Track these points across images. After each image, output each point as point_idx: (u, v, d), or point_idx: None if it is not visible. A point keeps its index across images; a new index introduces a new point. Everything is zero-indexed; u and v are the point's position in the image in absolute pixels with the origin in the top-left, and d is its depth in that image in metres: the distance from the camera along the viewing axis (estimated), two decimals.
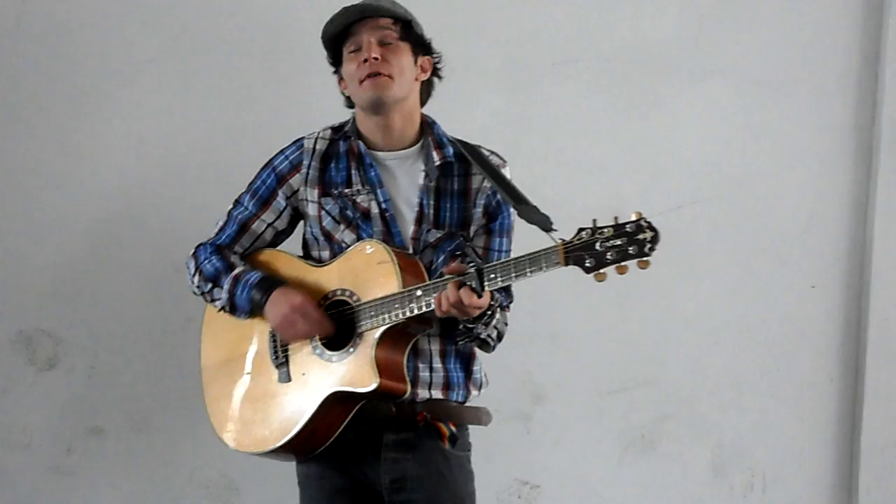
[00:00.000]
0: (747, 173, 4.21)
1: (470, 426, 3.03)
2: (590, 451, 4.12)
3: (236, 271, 2.94)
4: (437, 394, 2.92)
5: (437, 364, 2.93)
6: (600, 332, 3.99)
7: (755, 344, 4.18)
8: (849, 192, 4.35)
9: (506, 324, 2.99)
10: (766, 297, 4.13)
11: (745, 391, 4.27)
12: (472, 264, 2.71)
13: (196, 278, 3.00)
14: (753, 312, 4.18)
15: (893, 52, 4.25)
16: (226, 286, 2.93)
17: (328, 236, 2.94)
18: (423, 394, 2.89)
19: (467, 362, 2.99)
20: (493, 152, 3.01)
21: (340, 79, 2.99)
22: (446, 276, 2.73)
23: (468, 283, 2.69)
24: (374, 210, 2.92)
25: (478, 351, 3.01)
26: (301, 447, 2.90)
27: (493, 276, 2.68)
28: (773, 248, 4.24)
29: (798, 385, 4.34)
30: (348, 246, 2.91)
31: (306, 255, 3.03)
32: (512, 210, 2.95)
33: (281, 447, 2.89)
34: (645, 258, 2.57)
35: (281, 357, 2.91)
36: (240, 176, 3.59)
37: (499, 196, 2.97)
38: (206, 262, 2.98)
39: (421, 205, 2.94)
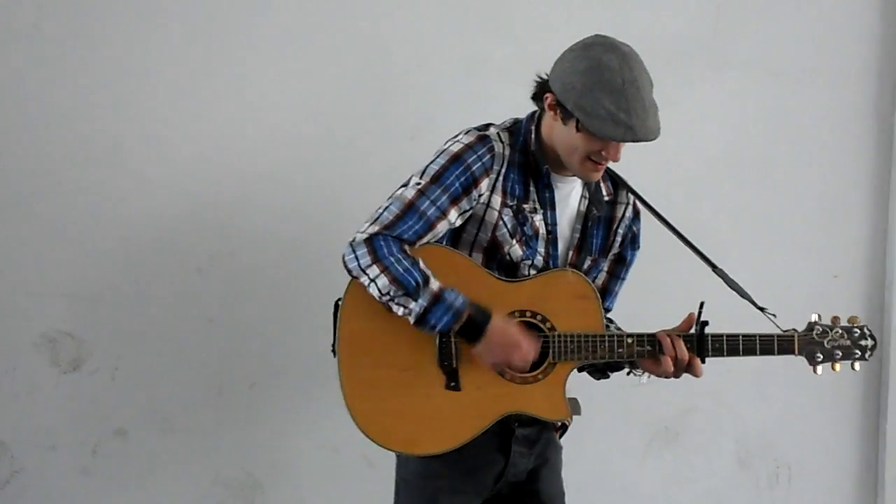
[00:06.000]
0: (767, 164, 4.20)
1: None
2: (614, 445, 4.12)
3: (436, 287, 2.74)
4: None
5: None
6: (622, 324, 3.98)
7: None
8: (869, 181, 4.33)
9: None
10: (788, 288, 4.11)
11: (769, 382, 4.26)
12: (692, 331, 2.88)
13: (382, 280, 2.73)
14: (775, 303, 4.15)
15: None
16: (423, 301, 2.72)
17: (496, 246, 2.88)
18: None
19: None
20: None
21: (549, 103, 2.84)
22: (667, 330, 2.89)
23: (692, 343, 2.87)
24: (542, 230, 2.91)
25: None
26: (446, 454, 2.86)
27: (717, 345, 2.86)
28: (794, 238, 4.22)
29: (822, 375, 4.33)
30: (512, 260, 2.88)
31: None
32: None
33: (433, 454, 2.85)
34: (864, 361, 2.95)
35: (453, 363, 2.83)
36: (258, 176, 3.62)
37: (634, 228, 3.08)
38: (397, 263, 2.74)
39: (583, 232, 2.97)
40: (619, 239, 3.05)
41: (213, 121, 3.65)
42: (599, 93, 2.71)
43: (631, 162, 3.85)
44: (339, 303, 2.85)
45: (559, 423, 3.04)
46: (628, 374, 3.04)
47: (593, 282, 2.95)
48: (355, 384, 2.82)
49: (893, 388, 4.36)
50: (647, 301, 3.44)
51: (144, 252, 3.62)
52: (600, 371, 3.08)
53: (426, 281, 2.73)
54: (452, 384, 2.82)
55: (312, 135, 3.69)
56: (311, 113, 3.70)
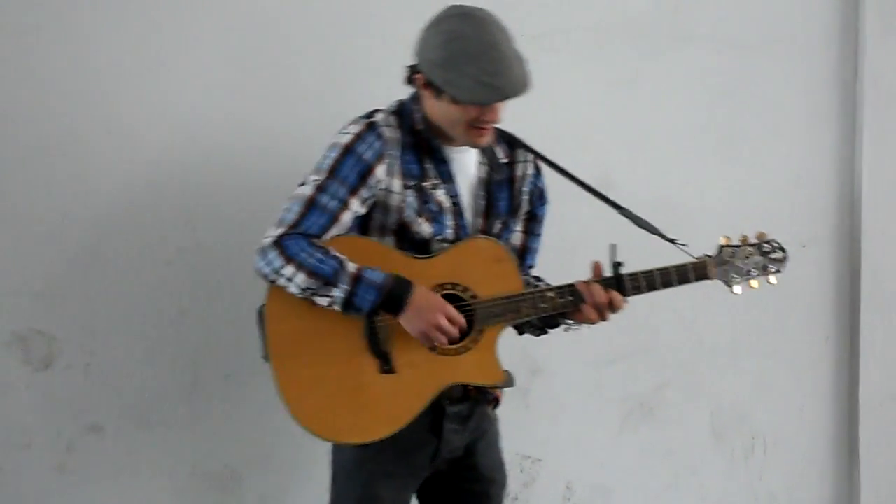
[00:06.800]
0: (733, 136, 4.22)
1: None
2: (589, 422, 4.13)
3: (353, 269, 2.78)
4: None
5: None
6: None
7: (749, 306, 4.19)
8: (835, 149, 4.36)
9: None
10: None
11: (742, 354, 4.28)
12: (608, 274, 2.94)
13: (299, 277, 2.78)
14: None
15: (873, 6, 4.25)
16: (345, 286, 2.77)
17: (405, 227, 2.91)
18: None
19: None
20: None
21: (420, 83, 2.90)
22: (587, 280, 2.93)
23: (611, 288, 2.92)
24: (447, 203, 2.95)
25: None
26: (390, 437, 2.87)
27: (636, 284, 2.93)
28: (762, 209, 4.24)
29: (794, 345, 4.36)
30: (422, 237, 2.91)
31: None
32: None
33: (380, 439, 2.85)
34: (778, 275, 3.04)
35: (383, 346, 2.85)
36: (222, 166, 3.60)
37: (539, 184, 3.12)
38: (309, 257, 2.77)
39: (487, 197, 3.01)
40: (525, 197, 3.10)
41: (175, 111, 3.62)
42: (461, 63, 2.78)
43: (595, 138, 3.89)
44: (262, 310, 2.88)
45: (492, 396, 3.07)
46: (566, 330, 3.06)
47: (507, 243, 3.03)
48: (293, 386, 2.85)
49: (865, 356, 4.40)
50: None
51: (112, 246, 3.59)
52: (538, 328, 3.11)
53: (342, 266, 2.78)
54: (386, 368, 2.85)
55: (275, 122, 3.67)
56: (274, 100, 3.68)
